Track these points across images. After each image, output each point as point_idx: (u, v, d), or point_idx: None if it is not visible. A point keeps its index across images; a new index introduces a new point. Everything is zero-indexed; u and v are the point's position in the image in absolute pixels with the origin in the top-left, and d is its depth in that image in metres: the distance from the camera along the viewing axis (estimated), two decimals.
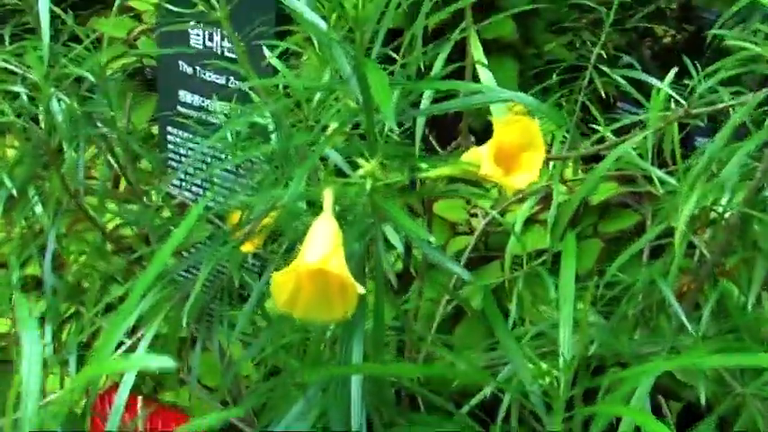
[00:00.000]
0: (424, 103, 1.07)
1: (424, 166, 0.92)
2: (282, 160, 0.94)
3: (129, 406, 1.95)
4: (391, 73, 1.01)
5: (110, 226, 1.59)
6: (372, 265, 0.94)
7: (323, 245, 0.85)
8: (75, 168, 1.46)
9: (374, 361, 0.91)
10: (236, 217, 1.38)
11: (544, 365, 0.94)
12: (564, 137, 1.73)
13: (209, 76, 1.52)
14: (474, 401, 1.40)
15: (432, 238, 0.85)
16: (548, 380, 0.93)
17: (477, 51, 1.18)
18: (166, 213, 1.58)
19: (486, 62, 1.19)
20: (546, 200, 1.77)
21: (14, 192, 1.32)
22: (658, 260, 1.42)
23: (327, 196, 0.90)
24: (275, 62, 1.13)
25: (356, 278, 0.84)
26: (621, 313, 1.39)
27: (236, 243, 1.19)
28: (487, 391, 1.44)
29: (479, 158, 0.89)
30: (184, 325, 1.28)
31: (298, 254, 0.85)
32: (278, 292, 0.85)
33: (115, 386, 1.98)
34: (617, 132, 1.51)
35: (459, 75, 1.15)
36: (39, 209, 1.53)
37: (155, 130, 1.76)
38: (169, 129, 1.62)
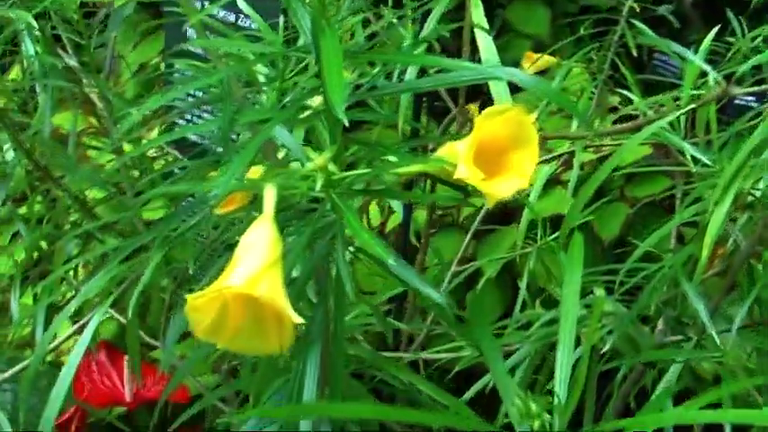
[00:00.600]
0: (408, 76, 0.87)
1: (391, 160, 0.73)
2: (224, 142, 0.76)
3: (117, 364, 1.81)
4: (372, 36, 0.82)
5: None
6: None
7: (254, 262, 0.67)
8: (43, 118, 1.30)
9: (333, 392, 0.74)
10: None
11: (534, 406, 0.76)
12: (592, 92, 1.53)
13: (219, 13, 1.41)
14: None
15: (392, 260, 0.66)
16: (537, 424, 0.76)
17: (476, 11, 0.95)
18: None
19: (486, 26, 0.97)
20: (569, 161, 1.57)
21: None
22: (687, 244, 1.24)
23: (268, 195, 0.71)
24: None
25: (297, 300, 0.67)
26: (643, 304, 1.20)
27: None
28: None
29: (457, 155, 0.70)
30: None
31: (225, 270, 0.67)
32: (196, 319, 0.67)
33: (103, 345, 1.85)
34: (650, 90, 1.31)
35: (457, 37, 0.95)
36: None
37: None
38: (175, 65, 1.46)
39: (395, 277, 0.72)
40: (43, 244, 1.54)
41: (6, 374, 1.25)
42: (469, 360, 1.31)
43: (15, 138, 1.26)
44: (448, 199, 0.80)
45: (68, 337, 1.06)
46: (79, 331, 1.81)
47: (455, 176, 0.68)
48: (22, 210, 1.51)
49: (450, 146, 0.72)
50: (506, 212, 1.76)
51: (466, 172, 0.68)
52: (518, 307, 1.42)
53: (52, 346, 1.06)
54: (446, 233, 1.75)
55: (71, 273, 1.51)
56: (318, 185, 0.71)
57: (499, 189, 0.68)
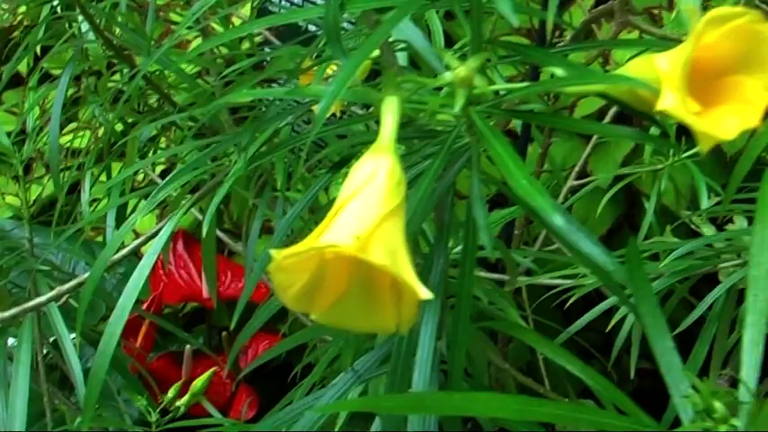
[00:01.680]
0: None
1: (558, 72, 0.51)
2: (331, 34, 0.54)
3: (195, 256, 1.65)
4: None
5: None
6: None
7: (367, 212, 0.46)
8: None
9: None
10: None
11: (719, 407, 0.55)
12: None
13: None
14: None
15: (560, 219, 0.45)
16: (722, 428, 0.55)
17: None
18: None
19: None
20: None
21: None
22: None
23: (388, 113, 0.50)
24: None
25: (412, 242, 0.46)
26: None
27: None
28: None
29: (658, 75, 0.48)
30: None
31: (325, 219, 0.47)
32: (283, 281, 0.47)
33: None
34: None
35: None
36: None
37: None
38: None
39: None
40: (119, 126, 1.37)
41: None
42: (590, 288, 1.10)
43: (85, 11, 1.06)
44: (630, 137, 0.58)
45: (150, 237, 0.89)
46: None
47: (658, 107, 0.46)
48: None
49: (645, 60, 0.50)
50: (621, 115, 1.52)
51: (674, 102, 0.45)
52: (643, 231, 1.20)
53: (133, 245, 0.88)
54: (561, 139, 1.51)
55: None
56: (459, 104, 0.50)
57: (720, 127, 0.46)
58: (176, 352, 1.57)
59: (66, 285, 0.88)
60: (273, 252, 0.45)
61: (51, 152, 1.06)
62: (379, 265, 0.44)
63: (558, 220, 0.45)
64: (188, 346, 1.53)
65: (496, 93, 0.54)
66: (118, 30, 1.20)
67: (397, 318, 0.47)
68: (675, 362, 0.61)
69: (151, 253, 0.83)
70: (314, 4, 1.37)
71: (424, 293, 0.45)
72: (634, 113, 0.52)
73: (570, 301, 1.12)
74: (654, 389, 1.34)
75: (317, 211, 0.72)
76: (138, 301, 1.05)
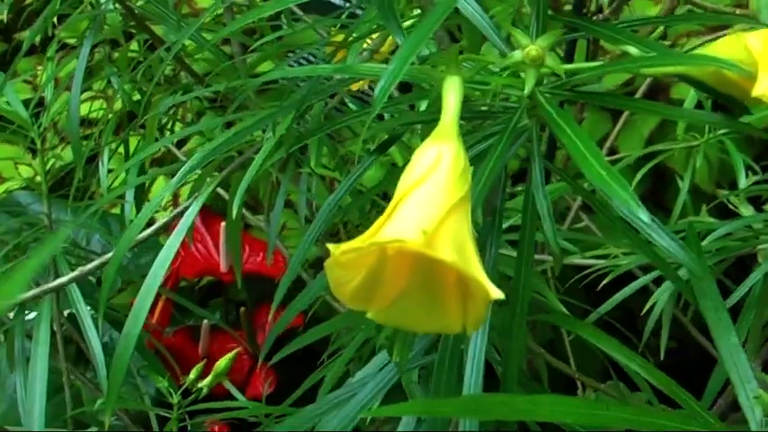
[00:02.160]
0: None
1: (633, 51, 0.46)
2: (387, 12, 0.49)
3: (213, 230, 1.61)
4: None
5: None
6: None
7: (431, 205, 0.42)
8: None
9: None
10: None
11: None
12: None
13: None
14: None
15: (644, 215, 0.41)
16: None
17: None
18: None
19: None
20: None
21: None
22: None
23: (451, 93, 0.46)
24: None
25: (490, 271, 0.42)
26: None
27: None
28: None
29: (748, 56, 0.44)
30: None
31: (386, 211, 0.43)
32: (340, 278, 0.43)
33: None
34: None
35: None
36: None
37: None
38: None
39: (626, 230, 0.47)
40: (136, 95, 1.32)
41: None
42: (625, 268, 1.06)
43: None
44: (718, 124, 0.54)
45: (171, 217, 0.85)
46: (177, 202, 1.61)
47: (755, 93, 0.42)
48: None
49: (733, 40, 0.45)
50: (652, 89, 1.47)
51: None
52: (676, 210, 1.16)
53: (158, 224, 0.84)
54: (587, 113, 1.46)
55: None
56: (529, 85, 0.45)
57: None
58: (193, 326, 1.54)
59: (89, 266, 0.84)
60: (331, 247, 0.41)
61: (71, 125, 1.02)
62: (448, 261, 0.40)
63: (643, 215, 0.41)
64: (205, 321, 1.50)
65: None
66: None
67: (462, 318, 0.43)
68: (741, 359, 0.58)
69: (177, 233, 0.79)
70: None
71: (496, 293, 0.41)
72: (717, 96, 0.47)
73: (604, 282, 1.08)
74: (678, 367, 1.31)
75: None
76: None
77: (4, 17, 1.72)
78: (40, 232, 1.00)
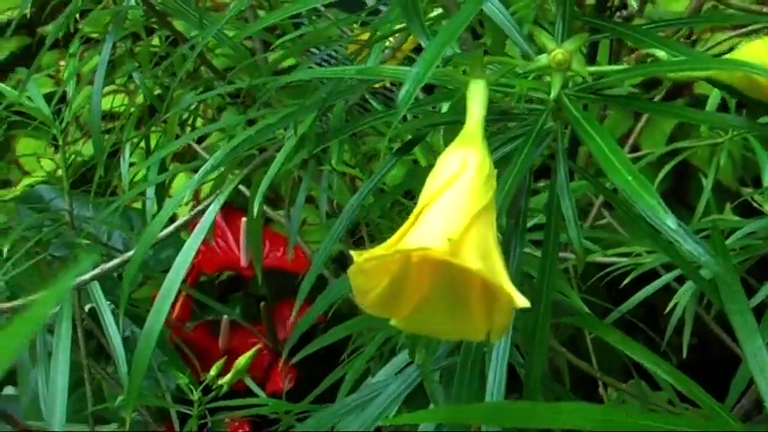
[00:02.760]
0: None
1: (660, 55, 0.46)
2: (411, 14, 0.49)
3: (233, 225, 1.61)
4: None
5: None
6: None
7: (455, 212, 0.41)
8: None
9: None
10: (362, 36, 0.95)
11: None
12: None
13: None
14: None
15: (671, 222, 0.40)
16: None
17: None
18: None
19: None
20: None
21: None
22: None
23: (476, 96, 0.45)
24: None
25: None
26: None
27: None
28: None
29: None
30: None
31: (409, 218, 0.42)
32: (363, 285, 0.42)
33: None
34: None
35: None
36: None
37: None
38: None
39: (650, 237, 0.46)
40: (157, 90, 1.32)
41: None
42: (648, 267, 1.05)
43: None
44: (742, 127, 0.53)
45: (192, 215, 0.85)
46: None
47: None
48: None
49: (761, 44, 0.44)
50: (676, 84, 1.45)
51: None
52: (699, 208, 1.15)
53: (172, 227, 0.84)
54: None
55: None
56: (555, 89, 0.45)
57: None
58: (213, 321, 1.54)
59: (111, 263, 0.84)
60: (354, 254, 0.41)
61: (93, 122, 1.02)
62: (474, 269, 0.40)
63: (670, 222, 0.40)
64: (225, 316, 1.50)
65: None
66: None
67: (487, 325, 0.43)
68: (767, 362, 0.57)
69: (199, 231, 0.79)
70: None
71: (521, 301, 0.40)
72: (745, 100, 0.47)
73: (626, 280, 1.07)
74: (701, 363, 1.30)
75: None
76: None
77: (28, 12, 1.72)
78: (62, 228, 1.00)
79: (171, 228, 0.82)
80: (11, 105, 1.01)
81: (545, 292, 0.52)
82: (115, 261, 0.83)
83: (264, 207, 1.44)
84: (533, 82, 0.46)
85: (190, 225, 0.88)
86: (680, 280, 1.06)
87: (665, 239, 0.54)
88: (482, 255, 0.40)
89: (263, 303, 1.52)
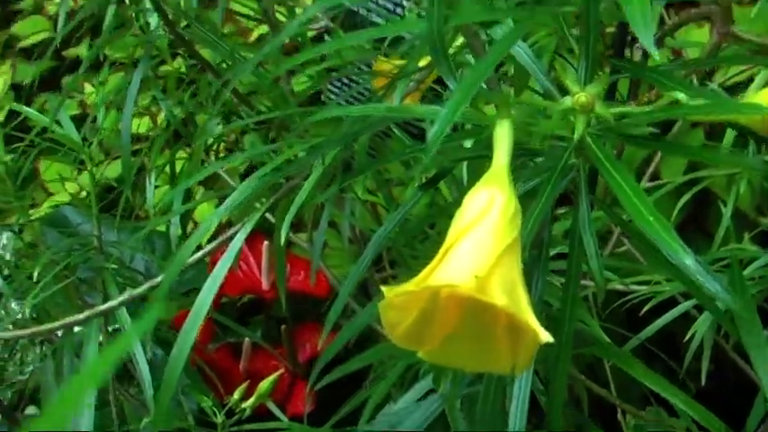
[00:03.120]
0: None
1: (681, 98, 0.47)
2: (439, 55, 0.51)
3: (255, 248, 1.63)
4: None
5: None
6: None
7: (482, 250, 0.43)
8: None
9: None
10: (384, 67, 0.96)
11: None
12: None
13: None
14: None
15: (690, 260, 0.42)
16: None
17: None
18: None
19: None
20: None
21: None
22: None
23: (502, 137, 0.47)
24: None
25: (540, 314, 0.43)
26: None
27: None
28: None
29: None
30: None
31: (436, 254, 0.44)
32: (392, 319, 0.44)
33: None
34: None
35: None
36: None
37: None
38: None
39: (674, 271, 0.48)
40: (179, 112, 1.35)
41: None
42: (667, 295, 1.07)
43: (159, 6, 1.03)
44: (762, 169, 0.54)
45: (219, 242, 0.87)
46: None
47: None
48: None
49: None
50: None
51: None
52: (718, 238, 1.15)
53: (200, 254, 0.86)
54: None
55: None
56: (579, 131, 0.46)
57: None
58: (235, 343, 1.56)
59: (139, 290, 0.86)
60: (385, 290, 0.42)
61: (123, 148, 1.04)
62: (500, 306, 0.41)
63: (689, 261, 0.42)
64: (247, 339, 1.52)
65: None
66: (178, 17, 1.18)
67: (512, 359, 0.44)
68: None
69: (225, 260, 0.81)
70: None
71: (546, 337, 0.42)
72: (765, 142, 0.48)
73: (646, 308, 1.08)
74: (718, 390, 1.30)
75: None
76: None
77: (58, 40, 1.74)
78: (90, 253, 1.02)
79: (199, 254, 0.84)
80: (44, 131, 1.04)
81: (567, 324, 0.54)
82: (143, 288, 0.85)
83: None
84: (558, 123, 0.48)
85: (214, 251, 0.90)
86: (699, 307, 1.07)
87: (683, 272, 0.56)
88: (508, 291, 0.42)
89: (284, 326, 1.54)
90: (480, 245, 0.43)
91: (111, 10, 1.16)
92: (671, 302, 1.08)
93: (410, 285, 0.42)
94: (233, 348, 1.56)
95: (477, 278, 0.41)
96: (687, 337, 1.08)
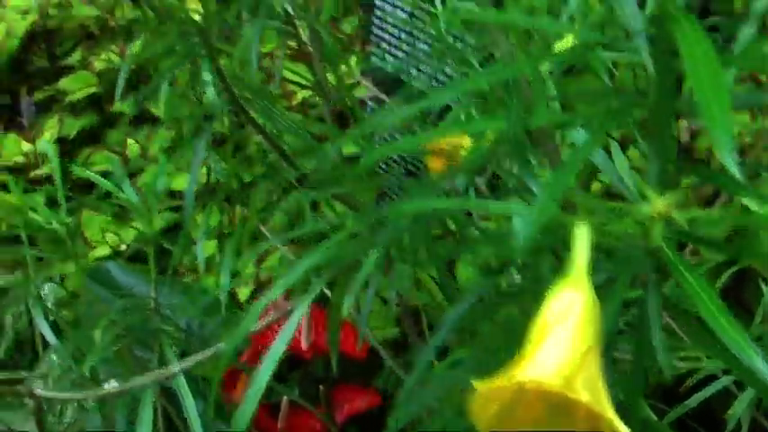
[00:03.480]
0: None
1: (751, 206, 0.51)
2: (520, 156, 0.55)
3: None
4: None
5: None
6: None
7: (567, 349, 0.47)
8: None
9: None
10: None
11: None
12: None
13: None
14: None
15: (760, 362, 0.45)
16: None
17: None
18: None
19: None
20: None
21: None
22: None
23: (582, 243, 0.51)
24: None
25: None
26: None
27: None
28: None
29: None
30: None
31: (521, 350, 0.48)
32: (480, 407, 0.48)
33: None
34: None
35: None
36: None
37: None
38: None
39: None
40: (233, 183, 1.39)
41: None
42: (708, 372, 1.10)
43: (220, 71, 1.08)
44: None
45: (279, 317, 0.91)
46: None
47: None
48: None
49: None
50: None
51: None
52: (758, 316, 1.18)
53: (269, 319, 0.90)
54: None
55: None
56: (656, 239, 0.50)
57: None
58: (273, 402, 1.58)
59: (198, 357, 0.89)
60: (477, 384, 0.46)
61: (187, 207, 1.08)
62: (584, 402, 0.45)
63: (760, 365, 0.45)
64: (285, 398, 1.55)
65: None
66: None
67: None
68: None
69: (283, 337, 0.83)
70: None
71: (624, 430, 0.45)
72: None
73: (686, 384, 1.11)
74: None
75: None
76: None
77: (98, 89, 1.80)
78: (146, 313, 1.06)
79: (262, 324, 0.87)
80: (109, 195, 1.08)
81: (634, 414, 0.57)
82: (203, 355, 0.89)
83: (328, 290, 1.49)
84: (633, 226, 0.52)
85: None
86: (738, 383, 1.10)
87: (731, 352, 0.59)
88: (590, 387, 0.46)
89: (322, 386, 1.57)
90: (565, 344, 0.46)
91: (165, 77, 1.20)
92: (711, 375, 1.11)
93: (502, 380, 0.46)
94: (271, 407, 1.59)
95: (564, 376, 0.45)
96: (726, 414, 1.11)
